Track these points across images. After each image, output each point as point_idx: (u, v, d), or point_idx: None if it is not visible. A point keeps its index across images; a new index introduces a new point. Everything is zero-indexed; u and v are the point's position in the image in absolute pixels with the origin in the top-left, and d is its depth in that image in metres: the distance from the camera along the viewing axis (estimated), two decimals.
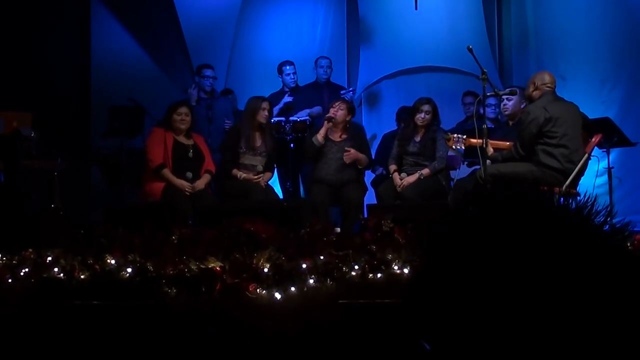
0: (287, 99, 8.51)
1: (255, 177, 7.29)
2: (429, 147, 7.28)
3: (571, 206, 0.99)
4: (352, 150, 7.36)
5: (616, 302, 0.90)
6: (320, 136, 7.40)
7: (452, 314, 0.93)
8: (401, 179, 7.20)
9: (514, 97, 6.81)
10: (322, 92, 8.77)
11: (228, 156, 7.39)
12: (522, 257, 0.91)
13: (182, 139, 7.10)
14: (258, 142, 7.43)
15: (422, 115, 7.31)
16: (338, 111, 7.44)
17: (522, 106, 6.96)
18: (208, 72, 8.47)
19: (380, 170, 8.20)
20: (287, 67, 8.71)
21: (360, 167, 7.48)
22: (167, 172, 6.90)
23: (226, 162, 7.36)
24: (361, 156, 7.42)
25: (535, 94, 6.09)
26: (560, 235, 0.93)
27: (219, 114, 8.37)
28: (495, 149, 6.20)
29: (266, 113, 7.40)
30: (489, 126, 6.18)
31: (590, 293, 0.90)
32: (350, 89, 8.82)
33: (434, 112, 7.35)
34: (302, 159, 7.88)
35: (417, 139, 7.35)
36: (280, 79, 8.77)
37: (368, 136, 8.95)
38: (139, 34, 9.47)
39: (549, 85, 6.09)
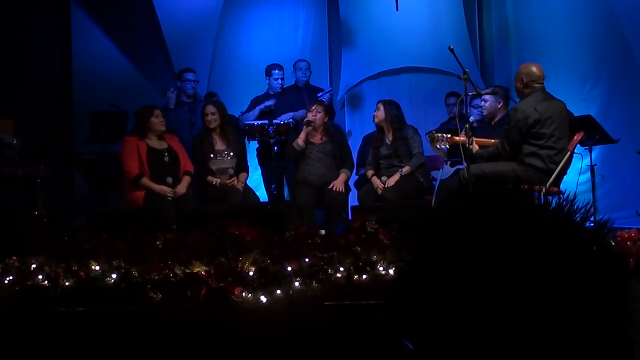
0: (268, 102, 8.32)
1: (229, 181, 7.26)
2: (401, 146, 7.37)
3: (551, 205, 0.99)
4: (336, 181, 7.42)
5: (594, 295, 0.91)
6: (300, 140, 7.47)
7: (435, 314, 0.94)
8: (383, 182, 7.27)
9: (491, 97, 6.85)
10: (302, 94, 8.69)
11: (199, 165, 7.32)
12: (504, 257, 0.92)
13: (155, 143, 7.03)
14: (221, 146, 7.40)
15: (374, 112, 7.48)
16: (316, 114, 7.53)
17: (498, 105, 6.99)
18: (189, 76, 8.46)
19: (362, 171, 8.21)
20: (276, 72, 8.58)
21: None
22: (146, 180, 6.84)
23: (199, 171, 7.28)
24: (342, 178, 7.48)
25: (526, 91, 6.02)
26: (540, 234, 0.94)
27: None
28: (480, 146, 6.21)
29: (208, 117, 7.38)
30: (473, 126, 6.16)
31: (570, 289, 0.91)
32: (327, 90, 8.76)
33: (390, 110, 7.41)
34: (285, 160, 7.84)
35: (388, 140, 7.44)
36: (267, 81, 8.63)
37: (351, 138, 8.99)
38: (120, 39, 9.46)
39: (538, 81, 6.03)
